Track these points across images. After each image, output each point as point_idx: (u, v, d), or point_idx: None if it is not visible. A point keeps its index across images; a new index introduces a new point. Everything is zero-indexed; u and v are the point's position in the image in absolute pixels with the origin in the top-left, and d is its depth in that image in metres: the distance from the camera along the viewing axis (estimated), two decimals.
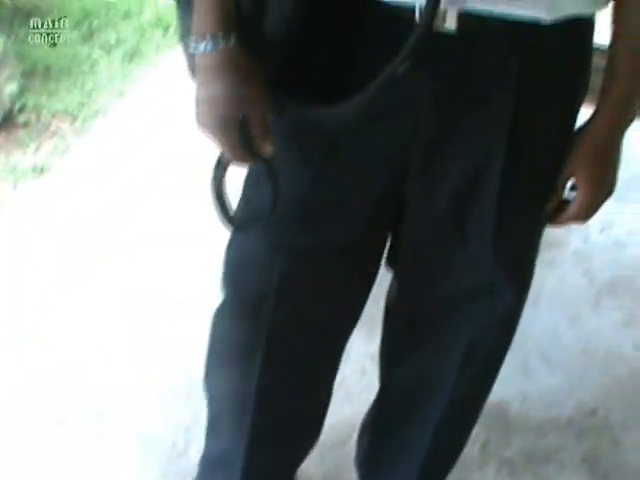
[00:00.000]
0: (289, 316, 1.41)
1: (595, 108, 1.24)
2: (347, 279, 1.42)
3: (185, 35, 1.19)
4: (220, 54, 1.11)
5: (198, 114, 1.15)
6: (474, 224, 1.29)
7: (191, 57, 1.16)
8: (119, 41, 3.86)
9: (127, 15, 4.10)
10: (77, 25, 3.93)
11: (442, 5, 1.07)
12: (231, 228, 1.31)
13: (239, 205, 1.34)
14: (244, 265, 1.41)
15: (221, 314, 1.48)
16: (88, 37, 3.88)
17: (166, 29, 3.96)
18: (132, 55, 3.78)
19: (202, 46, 1.11)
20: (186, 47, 1.18)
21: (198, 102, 1.15)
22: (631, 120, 1.25)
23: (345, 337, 1.54)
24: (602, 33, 1.25)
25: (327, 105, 1.15)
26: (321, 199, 1.29)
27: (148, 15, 4.09)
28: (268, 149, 1.17)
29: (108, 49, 3.80)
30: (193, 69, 1.16)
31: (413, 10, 1.11)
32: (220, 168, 1.22)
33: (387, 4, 1.13)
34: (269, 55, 1.15)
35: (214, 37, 1.10)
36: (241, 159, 1.19)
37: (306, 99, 1.14)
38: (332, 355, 1.57)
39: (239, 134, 1.14)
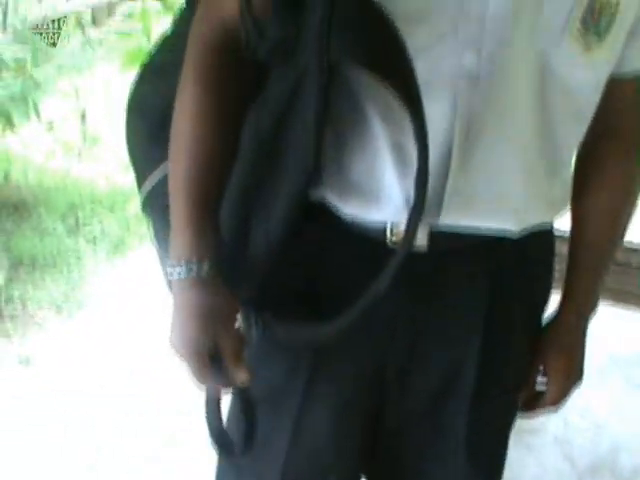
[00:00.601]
0: None
1: (560, 302, 1.29)
2: None
3: (164, 256, 1.18)
4: (191, 282, 1.08)
5: (171, 337, 1.12)
6: (448, 425, 1.26)
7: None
8: (104, 233, 3.94)
9: (112, 208, 4.19)
10: (63, 217, 4.03)
11: None
12: (225, 456, 1.25)
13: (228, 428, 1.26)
14: None
15: None
16: (74, 229, 3.97)
17: None
18: (117, 247, 3.85)
19: (175, 273, 1.08)
20: (164, 272, 1.16)
21: (172, 325, 1.12)
22: (595, 307, 1.30)
23: None
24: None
25: (307, 326, 1.13)
26: (311, 423, 1.23)
27: (132, 208, 4.20)
28: (241, 378, 1.12)
29: (93, 241, 3.88)
30: (170, 285, 1.14)
31: (384, 230, 1.12)
32: (211, 395, 1.18)
33: (357, 224, 1.13)
34: (246, 279, 1.14)
35: (188, 263, 1.07)
36: (214, 386, 1.16)
37: (282, 318, 1.13)
38: None
39: (210, 362, 1.10)
